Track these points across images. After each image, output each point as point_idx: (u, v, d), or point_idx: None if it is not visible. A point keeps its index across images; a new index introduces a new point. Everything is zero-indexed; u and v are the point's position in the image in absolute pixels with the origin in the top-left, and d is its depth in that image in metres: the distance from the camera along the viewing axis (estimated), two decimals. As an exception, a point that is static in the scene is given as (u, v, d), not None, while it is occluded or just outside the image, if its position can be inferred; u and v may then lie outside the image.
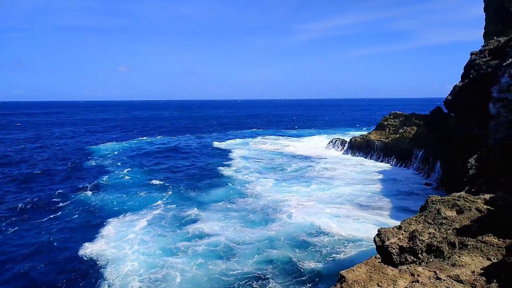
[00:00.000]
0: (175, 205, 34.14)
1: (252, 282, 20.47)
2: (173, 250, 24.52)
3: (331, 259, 23.02)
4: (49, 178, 45.61)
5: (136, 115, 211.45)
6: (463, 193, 18.57)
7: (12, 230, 28.79)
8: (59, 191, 39.58)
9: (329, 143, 71.72)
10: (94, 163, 55.15)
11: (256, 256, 23.61)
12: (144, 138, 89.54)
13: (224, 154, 62.63)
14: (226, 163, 54.27)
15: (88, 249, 24.94)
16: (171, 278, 20.90)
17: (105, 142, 78.59)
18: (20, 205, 34.33)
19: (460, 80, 40.65)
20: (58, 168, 51.38)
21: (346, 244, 24.93)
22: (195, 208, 32.85)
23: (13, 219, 31.20)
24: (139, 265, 22.46)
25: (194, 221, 30.00)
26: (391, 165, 54.36)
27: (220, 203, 34.56)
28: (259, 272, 21.48)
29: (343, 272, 9.84)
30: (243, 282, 20.50)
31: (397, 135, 59.94)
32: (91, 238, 26.82)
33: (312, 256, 23.31)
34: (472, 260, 10.98)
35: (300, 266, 22.07)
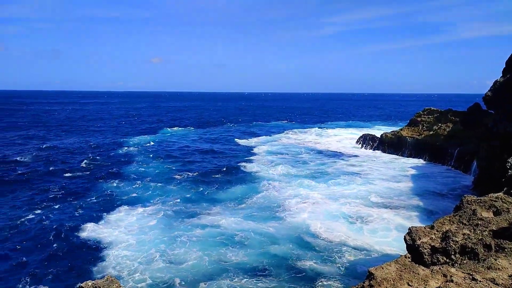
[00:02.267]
0: (189, 198, 34.60)
1: (254, 274, 20.76)
2: (177, 239, 25.13)
3: (350, 258, 22.65)
4: (75, 167, 47.71)
5: (164, 106, 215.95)
6: (501, 194, 17.76)
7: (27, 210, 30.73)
8: (83, 179, 41.62)
9: (358, 139, 70.39)
10: (121, 155, 56.93)
11: (259, 249, 23.78)
12: (171, 129, 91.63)
13: (248, 149, 62.51)
14: (249, 158, 54.01)
15: (94, 234, 26.19)
16: (171, 265, 21.63)
17: (136, 135, 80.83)
18: (43, 189, 36.62)
19: (502, 75, 38.61)
20: (87, 158, 53.57)
21: (370, 249, 24.23)
22: (209, 202, 33.22)
23: (35, 201, 33.16)
24: (141, 251, 23.30)
25: (202, 214, 30.44)
26: (424, 161, 52.73)
27: (236, 198, 34.44)
28: (261, 266, 21.63)
29: (372, 269, 9.73)
30: (246, 274, 20.81)
31: (431, 132, 57.88)
32: (99, 224, 28.10)
33: (319, 257, 22.92)
34: (510, 263, 10.55)
35: (303, 265, 21.93)
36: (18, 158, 51.34)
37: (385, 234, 26.48)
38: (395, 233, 26.25)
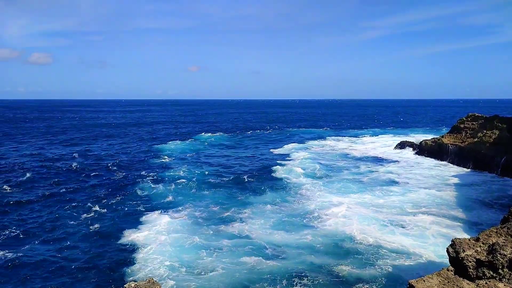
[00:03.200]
0: (220, 204, 34.75)
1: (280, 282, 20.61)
2: (207, 246, 25.26)
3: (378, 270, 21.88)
4: (113, 170, 49.80)
5: (201, 113, 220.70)
6: (555, 206, 16.57)
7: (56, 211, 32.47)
8: (120, 182, 43.37)
9: (396, 146, 68.23)
10: (157, 159, 58.62)
11: (295, 257, 23.55)
12: (206, 135, 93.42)
13: (281, 156, 61.99)
14: (283, 164, 53.50)
15: (130, 237, 26.98)
16: (201, 271, 21.79)
17: (172, 140, 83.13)
18: (79, 192, 38.66)
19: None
20: (125, 162, 55.77)
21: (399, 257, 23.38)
22: (241, 208, 33.27)
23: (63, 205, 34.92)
24: (172, 256, 23.61)
25: (234, 220, 30.49)
26: (468, 169, 50.15)
27: (267, 206, 34.10)
28: (292, 275, 21.37)
29: (412, 282, 9.41)
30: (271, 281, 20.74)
31: (475, 139, 54.89)
32: (134, 227, 28.93)
33: (355, 265, 22.42)
34: None
35: (342, 270, 21.70)
36: (59, 164, 54.31)
37: (423, 240, 25.74)
38: (437, 240, 25.58)
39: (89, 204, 34.92)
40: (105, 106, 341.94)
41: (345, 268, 21.81)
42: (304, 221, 30.15)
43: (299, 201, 35.55)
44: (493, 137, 52.50)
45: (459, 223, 28.93)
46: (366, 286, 20.02)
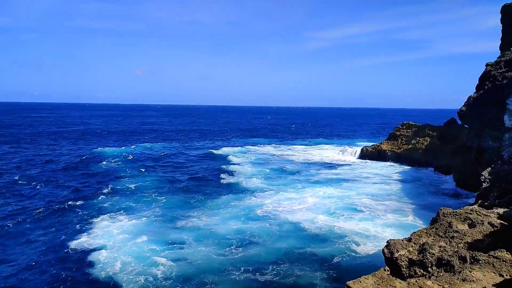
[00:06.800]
0: (171, 208, 34.63)
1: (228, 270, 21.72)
2: (162, 244, 25.40)
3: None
4: (59, 180, 46.33)
5: (137, 119, 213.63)
6: (475, 206, 18.19)
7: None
8: (67, 191, 40.51)
9: (339, 152, 71.12)
10: (103, 166, 55.63)
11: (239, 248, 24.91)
12: (148, 144, 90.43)
13: (225, 161, 61.85)
14: (228, 169, 53.61)
15: (82, 242, 25.95)
16: (156, 268, 21.88)
17: (113, 147, 79.22)
18: (32, 203, 35.24)
19: (475, 91, 40.07)
20: (70, 169, 52.12)
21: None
22: (194, 210, 33.60)
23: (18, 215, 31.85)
24: (128, 257, 23.25)
25: (191, 217, 31.16)
26: (408, 167, 55.11)
27: (219, 206, 34.80)
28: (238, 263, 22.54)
29: (349, 283, 9.70)
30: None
31: (410, 146, 59.24)
32: (87, 233, 27.82)
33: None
34: (484, 275, 10.71)
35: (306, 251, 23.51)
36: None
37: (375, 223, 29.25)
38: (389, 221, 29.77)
39: (33, 217, 32.05)
40: (43, 110, 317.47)
41: (310, 249, 24.10)
42: (264, 214, 31.76)
43: (254, 200, 36.44)
44: (425, 144, 57.02)
45: (413, 207, 33.28)
46: (327, 264, 22.13)
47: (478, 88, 39.78)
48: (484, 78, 38.41)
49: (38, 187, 42.43)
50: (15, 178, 45.90)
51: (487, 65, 39.55)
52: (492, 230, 13.92)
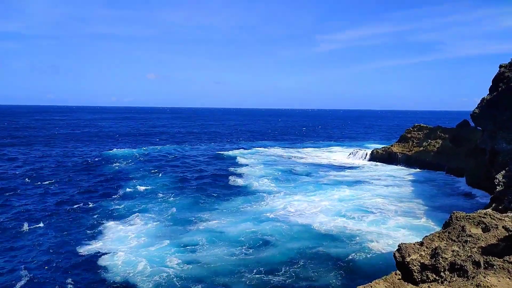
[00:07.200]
0: (183, 211, 34.70)
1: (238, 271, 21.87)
2: (175, 246, 25.55)
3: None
4: (70, 181, 46.92)
5: (149, 121, 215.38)
6: (489, 210, 17.86)
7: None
8: (80, 192, 41.01)
9: (349, 154, 70.63)
10: (115, 168, 56.19)
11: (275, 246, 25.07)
12: (159, 146, 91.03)
13: (235, 163, 61.90)
14: (237, 171, 53.61)
15: (95, 245, 26.12)
16: (169, 270, 21.97)
17: (124, 148, 79.97)
18: (47, 203, 35.80)
19: (488, 93, 39.46)
20: (82, 172, 52.80)
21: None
22: (205, 212, 33.68)
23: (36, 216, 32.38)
24: (141, 259, 23.35)
25: (202, 220, 31.24)
26: (419, 170, 54.46)
27: (230, 208, 34.91)
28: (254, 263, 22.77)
29: (360, 288, 9.60)
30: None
31: (421, 148, 58.49)
32: (99, 235, 28.08)
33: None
34: (498, 281, 10.49)
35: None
36: (17, 171, 50.36)
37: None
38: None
39: (41, 215, 32.55)
40: (56, 113, 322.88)
41: (322, 250, 24.35)
42: (269, 213, 32.02)
43: (265, 202, 36.52)
44: (437, 146, 56.22)
45: (425, 208, 33.20)
46: (339, 265, 22.25)
47: (491, 89, 39.17)
48: (498, 79, 37.80)
49: (51, 188, 43.10)
50: (28, 179, 46.71)
51: (500, 66, 38.94)
52: (507, 234, 13.62)
